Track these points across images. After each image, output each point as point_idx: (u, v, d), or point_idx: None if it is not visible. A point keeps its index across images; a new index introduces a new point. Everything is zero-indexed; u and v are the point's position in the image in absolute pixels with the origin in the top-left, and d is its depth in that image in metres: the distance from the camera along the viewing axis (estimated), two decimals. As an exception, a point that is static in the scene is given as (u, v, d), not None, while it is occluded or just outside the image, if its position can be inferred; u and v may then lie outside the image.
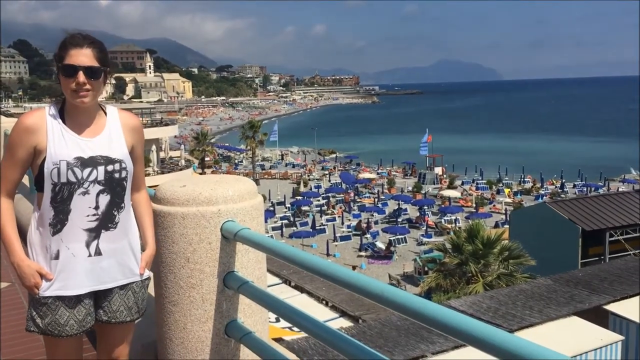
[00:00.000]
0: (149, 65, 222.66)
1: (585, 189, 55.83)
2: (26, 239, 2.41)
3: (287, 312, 2.42)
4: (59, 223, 2.32)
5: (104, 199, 2.36)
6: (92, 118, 2.41)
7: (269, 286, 3.13)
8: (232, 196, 2.71)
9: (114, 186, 2.38)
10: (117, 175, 2.38)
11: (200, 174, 53.46)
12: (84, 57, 2.29)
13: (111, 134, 2.42)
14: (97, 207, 2.35)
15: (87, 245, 2.36)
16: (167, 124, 54.03)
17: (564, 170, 65.45)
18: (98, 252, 2.38)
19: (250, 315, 2.82)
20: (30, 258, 2.35)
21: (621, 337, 7.28)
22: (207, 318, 2.72)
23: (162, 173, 43.19)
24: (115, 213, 2.41)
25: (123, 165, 2.40)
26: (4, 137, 9.62)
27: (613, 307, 7.43)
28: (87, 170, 2.32)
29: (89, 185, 2.32)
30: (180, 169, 47.61)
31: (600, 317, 7.40)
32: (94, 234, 2.37)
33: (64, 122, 2.35)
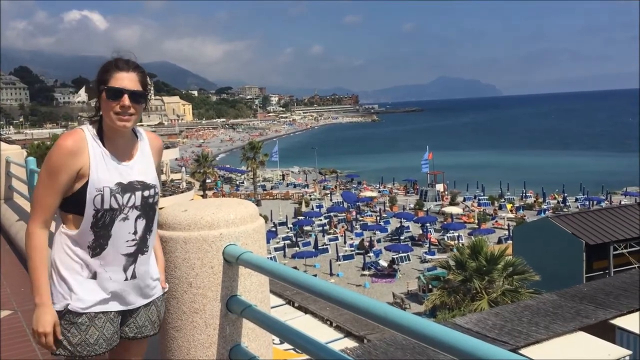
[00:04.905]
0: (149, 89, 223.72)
1: (587, 203, 55.71)
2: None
3: (291, 335, 2.40)
4: (98, 247, 2.32)
5: (141, 224, 2.38)
6: (128, 141, 2.43)
7: (272, 307, 3.12)
8: (234, 220, 2.71)
9: (148, 210, 2.41)
10: (151, 200, 2.41)
11: (202, 196, 53.46)
12: (129, 81, 2.30)
13: (144, 158, 2.45)
14: (135, 232, 2.37)
15: (125, 269, 2.38)
16: (167, 147, 54.09)
17: (565, 184, 65.42)
18: (134, 276, 2.41)
19: (254, 339, 2.80)
20: (52, 278, 2.33)
21: (629, 352, 7.23)
22: (211, 343, 2.70)
23: (164, 196, 43.20)
24: (148, 236, 2.44)
25: (156, 190, 2.44)
26: (5, 164, 9.64)
27: (619, 322, 7.38)
28: (127, 195, 2.33)
29: (128, 211, 2.33)
30: (182, 192, 47.63)
31: (607, 332, 7.34)
32: (132, 258, 2.39)
33: (103, 144, 2.34)
